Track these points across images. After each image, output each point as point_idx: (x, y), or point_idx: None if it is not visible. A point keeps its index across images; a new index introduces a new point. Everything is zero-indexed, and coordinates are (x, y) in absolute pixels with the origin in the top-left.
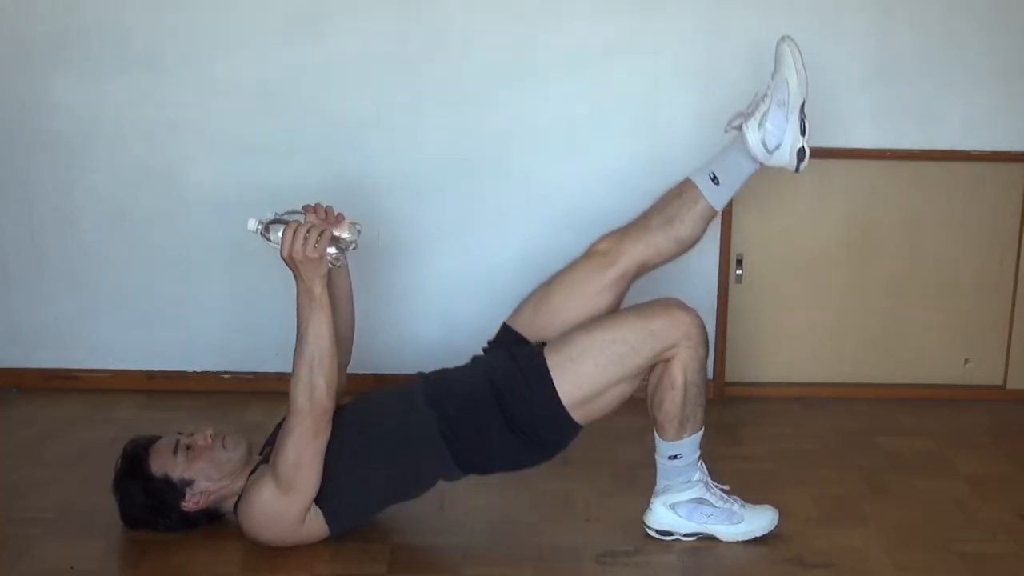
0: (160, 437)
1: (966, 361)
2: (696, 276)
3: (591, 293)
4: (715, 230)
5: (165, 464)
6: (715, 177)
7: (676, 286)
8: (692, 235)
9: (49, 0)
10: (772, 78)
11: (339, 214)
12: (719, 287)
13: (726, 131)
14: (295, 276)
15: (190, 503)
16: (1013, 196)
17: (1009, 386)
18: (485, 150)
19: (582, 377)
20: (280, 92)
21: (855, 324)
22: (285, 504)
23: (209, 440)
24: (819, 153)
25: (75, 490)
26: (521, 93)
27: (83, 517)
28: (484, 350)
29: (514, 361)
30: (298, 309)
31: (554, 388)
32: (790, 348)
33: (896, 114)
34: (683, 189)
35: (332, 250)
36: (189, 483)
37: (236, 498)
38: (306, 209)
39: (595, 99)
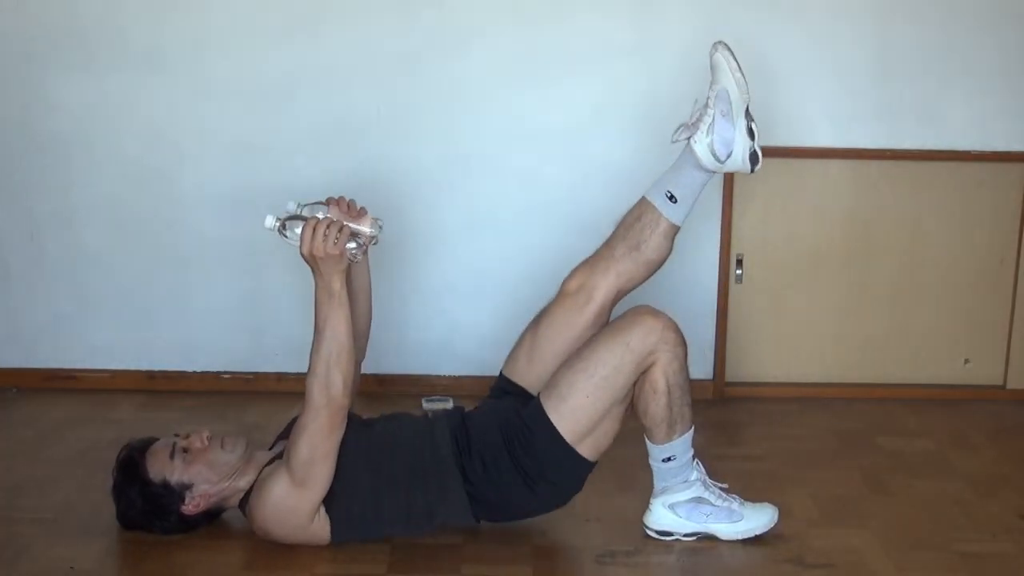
0: (155, 440)
1: (966, 361)
2: (696, 276)
3: (577, 334)
4: (715, 230)
5: (163, 469)
6: (672, 195)
7: (676, 287)
8: (659, 256)
9: (49, 1)
10: (711, 88)
11: (361, 208)
12: (719, 287)
13: (672, 142)
14: (314, 273)
15: (190, 506)
16: (1013, 196)
17: (1009, 386)
18: (485, 150)
19: (577, 411)
20: (280, 92)
21: (855, 324)
22: (298, 499)
23: (206, 442)
24: (819, 153)
25: (75, 490)
26: (521, 93)
27: (83, 517)
28: (489, 397)
29: (519, 416)
30: (316, 305)
31: (556, 430)
32: (790, 348)
33: (896, 114)
34: (642, 211)
35: (351, 246)
36: (188, 486)
37: (241, 495)
38: (329, 202)
39: (596, 99)
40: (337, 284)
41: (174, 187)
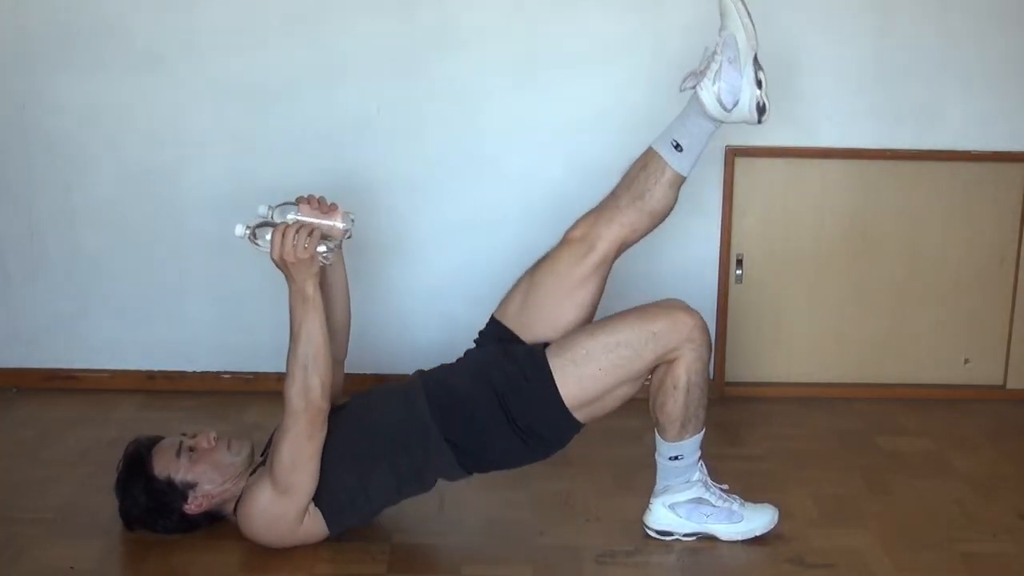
0: (162, 438)
1: (966, 361)
2: (696, 276)
3: (575, 282)
4: (715, 230)
5: (168, 466)
6: (677, 144)
7: (676, 286)
8: (665, 206)
9: (49, 0)
10: (719, 34)
11: (332, 204)
12: (719, 287)
13: (681, 91)
14: (287, 278)
15: (192, 505)
16: (1013, 196)
17: (1009, 386)
18: (485, 150)
19: (585, 380)
20: (280, 92)
21: (855, 324)
22: (283, 506)
23: (212, 442)
24: (819, 153)
25: (75, 490)
26: (521, 93)
27: (83, 517)
28: (476, 342)
29: (514, 362)
30: (291, 310)
31: (557, 391)
32: (790, 348)
33: (896, 114)
34: (647, 160)
35: (323, 248)
36: (192, 485)
37: (234, 502)
38: (299, 200)
39: (595, 99)
40: (310, 288)
41: (174, 187)
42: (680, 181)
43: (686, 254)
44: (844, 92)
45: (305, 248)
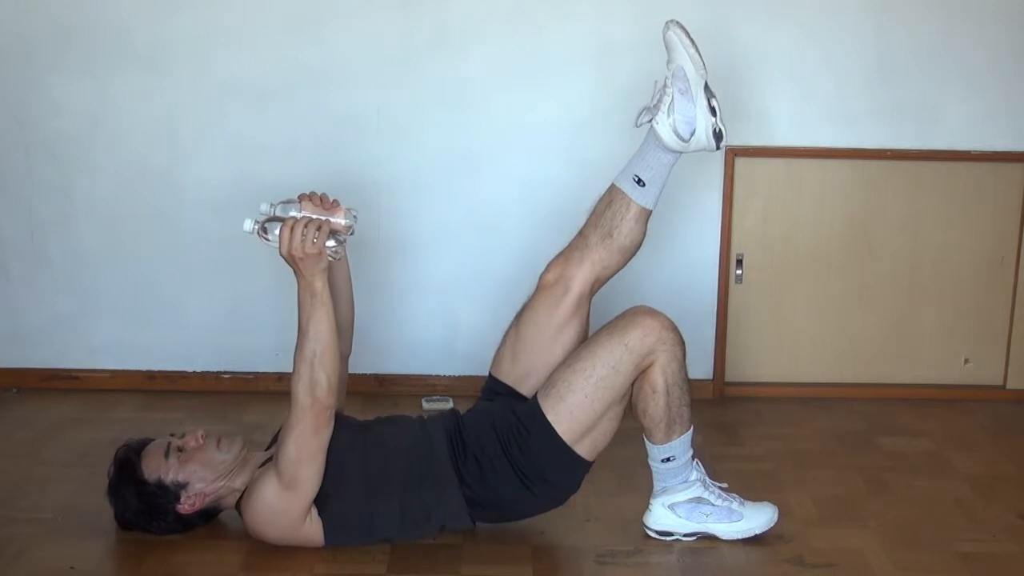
0: (151, 440)
1: (966, 361)
2: (696, 276)
3: (557, 327)
4: (715, 230)
5: (158, 468)
6: (639, 179)
7: (676, 287)
8: (633, 241)
9: (50, 0)
10: (668, 67)
11: (334, 201)
12: (719, 287)
13: (637, 126)
14: (296, 273)
15: (185, 505)
16: (1013, 196)
17: (1009, 386)
18: (485, 150)
19: (575, 411)
20: (280, 92)
21: (855, 324)
22: (288, 500)
23: (201, 441)
24: (819, 153)
25: (75, 490)
26: (521, 93)
27: (83, 517)
28: (481, 398)
29: (515, 415)
30: (299, 305)
31: (554, 430)
32: (790, 348)
33: (896, 114)
34: (612, 198)
35: (331, 243)
36: (183, 486)
37: (237, 495)
38: (301, 198)
39: (594, 99)
40: (319, 283)
41: (174, 187)
42: (647, 215)
43: (686, 254)
44: (844, 92)
45: (314, 243)
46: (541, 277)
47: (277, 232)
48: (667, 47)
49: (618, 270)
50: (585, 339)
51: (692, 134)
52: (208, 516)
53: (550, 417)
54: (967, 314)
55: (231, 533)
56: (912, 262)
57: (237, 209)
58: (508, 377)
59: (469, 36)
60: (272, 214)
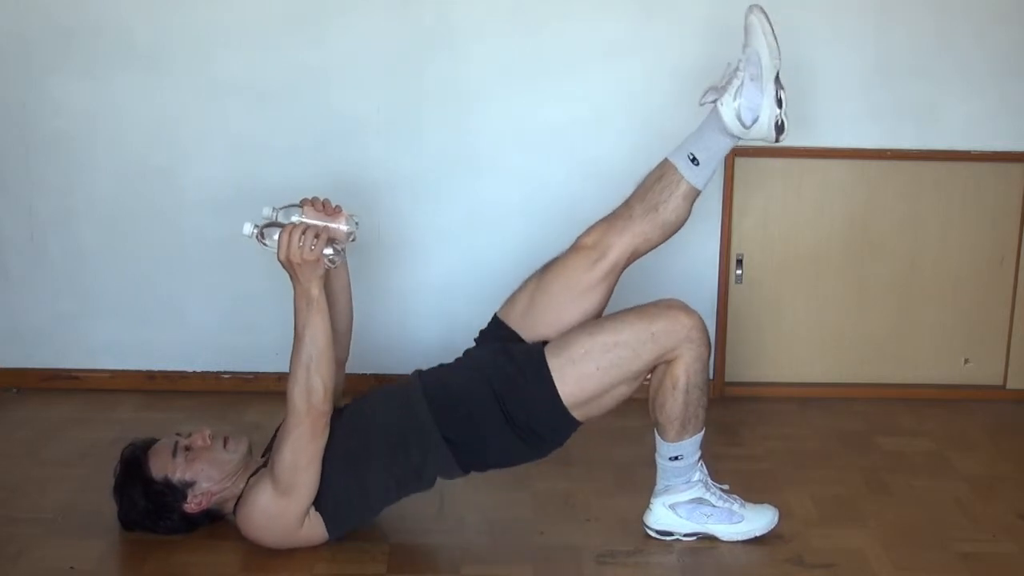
0: (157, 439)
1: (966, 361)
2: (696, 276)
3: (584, 288)
4: (715, 230)
5: (165, 466)
6: (694, 158)
7: (676, 286)
8: (678, 218)
9: (50, 0)
10: (743, 51)
11: (336, 206)
12: (719, 287)
13: (701, 104)
14: (292, 278)
15: (192, 504)
16: (1013, 196)
17: (1009, 386)
18: (485, 150)
19: (583, 379)
20: (280, 92)
21: (855, 324)
22: (283, 507)
23: (208, 441)
24: (819, 153)
25: (75, 490)
26: (521, 93)
27: (83, 517)
28: (476, 340)
29: (512, 361)
30: (295, 311)
31: (556, 390)
32: (790, 348)
33: (896, 114)
34: (663, 172)
35: (329, 251)
36: (190, 484)
37: (234, 502)
38: (303, 202)
39: (595, 99)
40: (315, 290)
41: (174, 187)
42: (695, 194)
43: (686, 254)
44: (844, 92)
45: (312, 250)
46: (579, 239)
47: (276, 237)
48: (746, 31)
49: (656, 245)
50: (604, 309)
51: (755, 121)
52: (212, 517)
53: (555, 374)
54: (967, 314)
55: (231, 533)
56: (912, 262)
57: (237, 209)
58: (516, 324)
59: (469, 36)
60: (274, 218)
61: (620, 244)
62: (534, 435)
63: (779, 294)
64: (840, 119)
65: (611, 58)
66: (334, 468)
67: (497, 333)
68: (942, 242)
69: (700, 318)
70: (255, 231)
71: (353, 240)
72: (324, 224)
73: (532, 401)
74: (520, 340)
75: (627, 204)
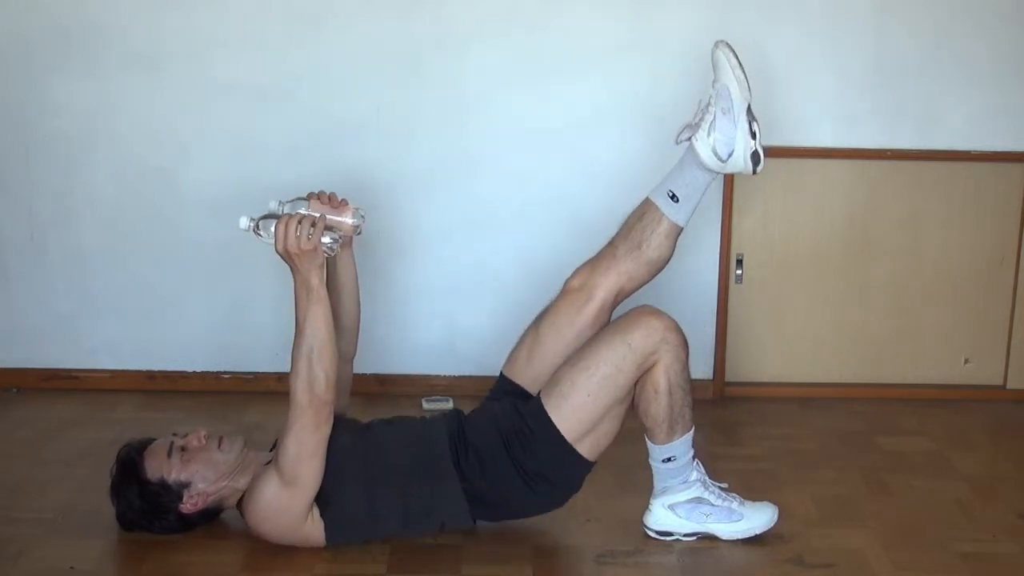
0: (154, 440)
1: (966, 361)
2: (696, 276)
3: (576, 334)
4: (715, 230)
5: (160, 467)
6: (674, 195)
7: (676, 287)
8: (661, 256)
9: (49, 0)
10: (712, 86)
11: (343, 200)
12: (719, 287)
13: (677, 143)
14: (292, 270)
15: (188, 504)
16: (1013, 196)
17: (1009, 386)
18: (485, 150)
19: (578, 410)
20: (280, 92)
21: (855, 324)
22: (289, 498)
23: (203, 441)
24: (819, 153)
25: (75, 490)
26: (521, 93)
27: (83, 517)
28: (488, 398)
29: (519, 414)
30: (296, 302)
31: (556, 428)
32: (790, 348)
33: (896, 114)
34: (644, 211)
35: (327, 240)
36: (186, 485)
37: (239, 496)
38: (310, 196)
39: (596, 99)
40: (315, 280)
41: (174, 187)
42: (677, 231)
43: (686, 254)
44: (844, 92)
45: (309, 239)
46: (566, 282)
47: (272, 229)
48: (714, 66)
49: (643, 283)
50: None
51: (730, 155)
52: (210, 516)
53: (552, 415)
54: (967, 314)
55: (231, 533)
56: (912, 262)
57: (237, 209)
58: (521, 378)
59: (469, 36)
60: (280, 211)
61: (606, 284)
62: (545, 482)
63: (779, 294)
64: (840, 119)
65: (611, 58)
66: (349, 483)
67: (505, 389)
68: (942, 242)
69: (671, 319)
70: (251, 224)
71: (359, 233)
72: (328, 216)
73: (538, 445)
74: (527, 394)
75: (611, 244)
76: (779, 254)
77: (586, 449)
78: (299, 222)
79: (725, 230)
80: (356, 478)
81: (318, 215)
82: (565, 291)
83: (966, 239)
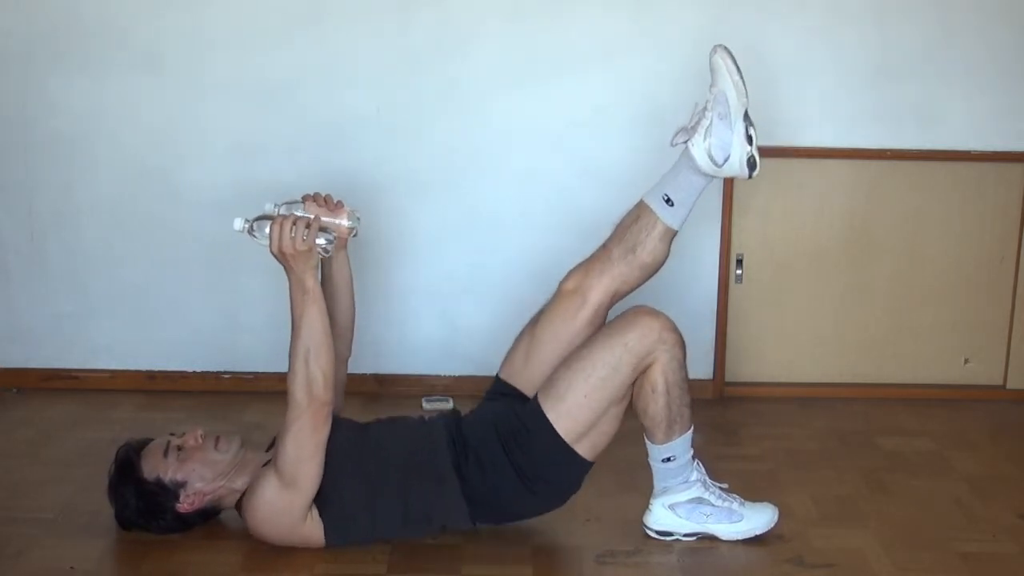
0: (151, 439)
1: (966, 361)
2: (696, 276)
3: (571, 336)
4: (715, 230)
5: (157, 467)
6: (668, 198)
7: (676, 287)
8: (655, 259)
9: (49, 1)
10: (710, 90)
11: (338, 201)
12: (719, 287)
13: (672, 145)
14: (286, 271)
15: (184, 504)
16: (1013, 196)
17: (1009, 386)
18: (485, 150)
19: (575, 411)
20: (280, 92)
21: (855, 324)
22: (288, 499)
23: (200, 441)
24: (819, 153)
25: (75, 490)
26: (521, 93)
27: (83, 517)
28: (485, 400)
29: (517, 417)
30: (291, 303)
31: (554, 430)
32: (790, 348)
33: (896, 114)
34: (639, 213)
35: (321, 240)
36: (182, 484)
37: (237, 496)
38: (305, 198)
39: (596, 99)
40: (310, 280)
41: (174, 187)
42: (671, 235)
43: (686, 254)
44: (844, 92)
45: (303, 240)
46: (561, 284)
47: (267, 230)
48: (712, 71)
49: (637, 286)
50: None
51: (726, 160)
52: (207, 516)
53: (550, 416)
54: (967, 314)
55: (231, 533)
56: (912, 262)
57: (237, 209)
58: (517, 381)
59: (469, 36)
60: (275, 214)
61: (600, 287)
62: (544, 483)
63: (779, 294)
64: (840, 119)
65: (610, 58)
66: (349, 483)
67: (502, 392)
68: (942, 242)
69: (668, 318)
70: (246, 225)
71: (355, 235)
72: (315, 215)
73: (536, 447)
74: (524, 397)
75: (605, 246)
76: (779, 254)
77: (585, 449)
78: (293, 223)
79: (725, 230)
80: (356, 481)
81: (312, 217)
82: (560, 293)
83: (966, 239)
